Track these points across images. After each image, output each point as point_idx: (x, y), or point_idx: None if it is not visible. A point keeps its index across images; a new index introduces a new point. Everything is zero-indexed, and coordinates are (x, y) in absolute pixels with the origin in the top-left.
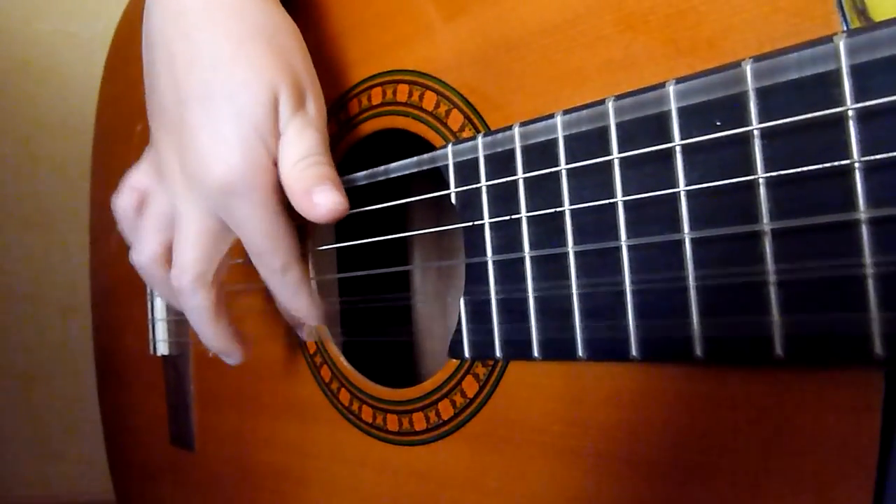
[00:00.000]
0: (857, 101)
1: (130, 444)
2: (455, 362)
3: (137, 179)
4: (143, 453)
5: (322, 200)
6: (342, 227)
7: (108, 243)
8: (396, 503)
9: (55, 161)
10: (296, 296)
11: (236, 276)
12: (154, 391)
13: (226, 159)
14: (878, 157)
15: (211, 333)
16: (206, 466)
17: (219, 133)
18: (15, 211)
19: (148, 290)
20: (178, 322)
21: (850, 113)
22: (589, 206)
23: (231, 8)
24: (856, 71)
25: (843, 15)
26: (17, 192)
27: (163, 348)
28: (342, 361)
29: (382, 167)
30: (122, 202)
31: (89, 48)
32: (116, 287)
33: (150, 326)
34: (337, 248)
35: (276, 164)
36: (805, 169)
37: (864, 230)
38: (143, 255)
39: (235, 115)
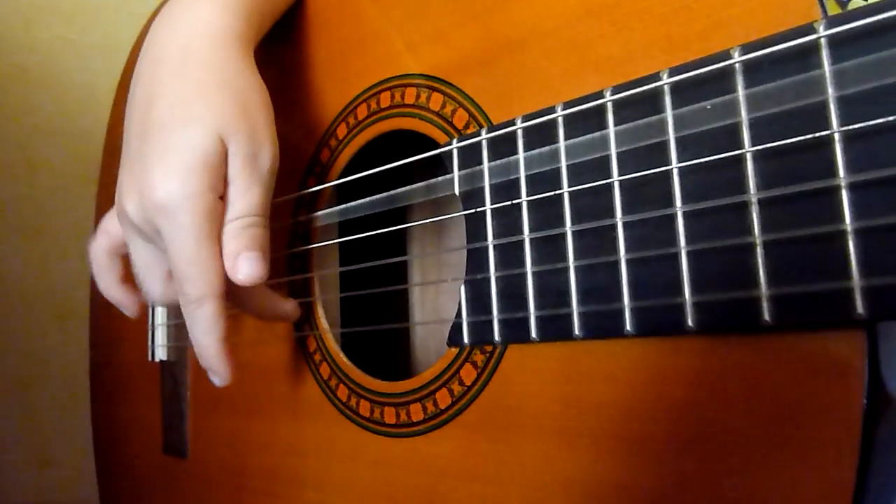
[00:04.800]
0: (836, 81)
1: (122, 454)
2: (453, 351)
3: (110, 223)
4: (135, 463)
5: (244, 268)
6: (345, 221)
7: None
8: (392, 496)
9: (53, 167)
10: (205, 335)
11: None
12: (148, 401)
13: (165, 182)
14: (855, 126)
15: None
16: (198, 473)
17: (166, 160)
18: (12, 216)
19: None
20: (178, 326)
21: (830, 89)
22: (587, 189)
23: (204, 60)
24: (834, 51)
25: (823, 4)
26: (15, 198)
27: (161, 353)
28: (342, 357)
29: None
30: (97, 246)
31: (88, 55)
32: None
33: (150, 332)
34: (338, 242)
35: (217, 196)
36: (789, 141)
37: (845, 195)
38: (155, 295)
39: (184, 146)
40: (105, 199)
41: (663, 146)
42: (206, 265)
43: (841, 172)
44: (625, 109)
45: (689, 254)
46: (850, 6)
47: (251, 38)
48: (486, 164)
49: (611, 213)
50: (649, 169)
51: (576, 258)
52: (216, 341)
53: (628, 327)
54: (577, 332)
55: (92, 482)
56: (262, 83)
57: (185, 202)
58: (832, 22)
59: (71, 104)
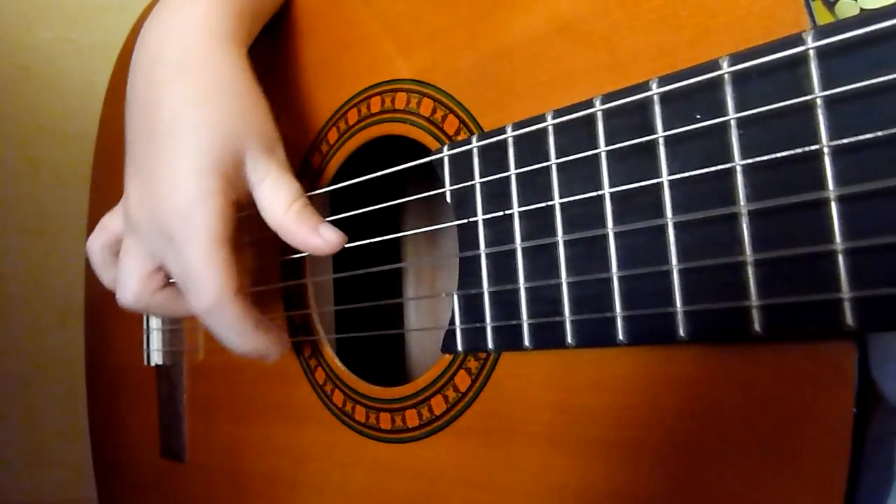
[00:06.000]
0: (824, 89)
1: (120, 457)
2: (448, 358)
3: (110, 220)
4: (133, 467)
5: (330, 236)
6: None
7: None
8: (388, 501)
9: (54, 166)
10: (239, 334)
11: None
12: (145, 404)
13: (178, 185)
14: (844, 141)
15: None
16: (196, 477)
17: (178, 164)
18: (13, 216)
19: None
20: (174, 331)
21: (819, 101)
22: (578, 200)
23: (204, 63)
24: (823, 62)
25: (811, 13)
26: (16, 197)
27: (157, 358)
28: (336, 363)
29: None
30: (94, 242)
31: (89, 55)
32: (110, 300)
33: (145, 336)
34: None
35: (230, 201)
36: (778, 155)
37: (834, 208)
38: (127, 294)
39: (196, 151)
40: (97, 198)
41: (653, 156)
42: (224, 265)
43: (830, 185)
44: (615, 118)
45: (679, 264)
46: (837, 7)
47: (243, 40)
48: (476, 172)
49: (602, 221)
50: (640, 176)
51: (568, 267)
52: (250, 333)
53: (620, 336)
54: (569, 340)
55: (92, 482)
56: (258, 84)
57: (199, 203)
58: (821, 32)
59: (71, 104)
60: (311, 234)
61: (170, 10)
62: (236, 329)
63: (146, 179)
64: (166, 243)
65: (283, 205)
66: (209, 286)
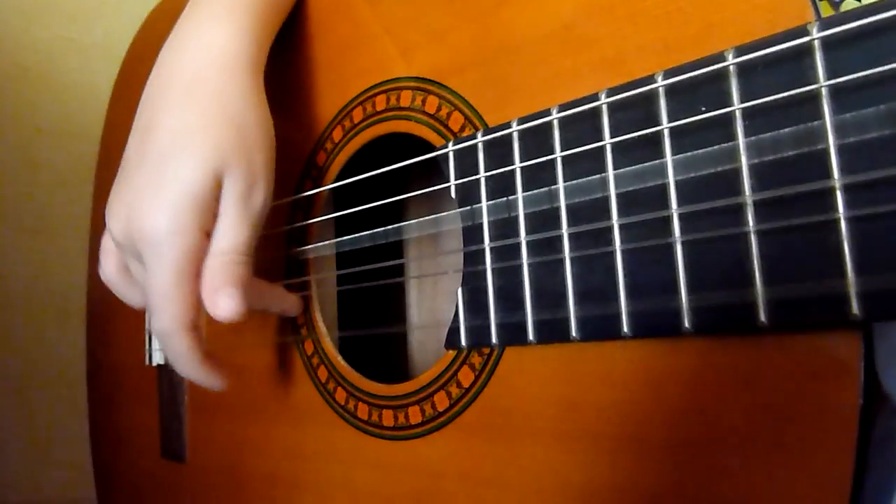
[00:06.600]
0: (829, 79)
1: (120, 458)
2: (451, 354)
3: (109, 241)
4: (133, 467)
5: (223, 304)
6: (342, 225)
7: None
8: (391, 499)
9: (53, 166)
10: (184, 365)
11: None
12: (146, 404)
13: (154, 215)
14: (852, 139)
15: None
16: (197, 477)
17: (158, 192)
18: (13, 216)
19: None
20: None
21: (824, 90)
22: (582, 191)
23: (212, 91)
24: (828, 53)
25: (816, 7)
26: (15, 197)
27: (158, 357)
28: (339, 361)
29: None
30: (107, 268)
31: (88, 54)
32: (113, 301)
33: (147, 336)
34: (335, 248)
35: (204, 234)
36: (784, 155)
37: (839, 197)
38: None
39: (177, 181)
40: (101, 208)
41: (659, 148)
42: (181, 300)
43: (836, 174)
44: (620, 111)
45: (685, 256)
46: (843, 7)
47: (261, 62)
48: (481, 167)
49: (607, 212)
50: (645, 168)
51: (572, 261)
52: (195, 364)
53: (625, 329)
54: (574, 334)
55: (92, 482)
56: (269, 116)
57: (171, 238)
58: (825, 24)
59: (71, 104)
60: (210, 291)
61: (192, 28)
62: (184, 357)
63: (127, 201)
64: (138, 259)
65: (214, 251)
66: (165, 315)
